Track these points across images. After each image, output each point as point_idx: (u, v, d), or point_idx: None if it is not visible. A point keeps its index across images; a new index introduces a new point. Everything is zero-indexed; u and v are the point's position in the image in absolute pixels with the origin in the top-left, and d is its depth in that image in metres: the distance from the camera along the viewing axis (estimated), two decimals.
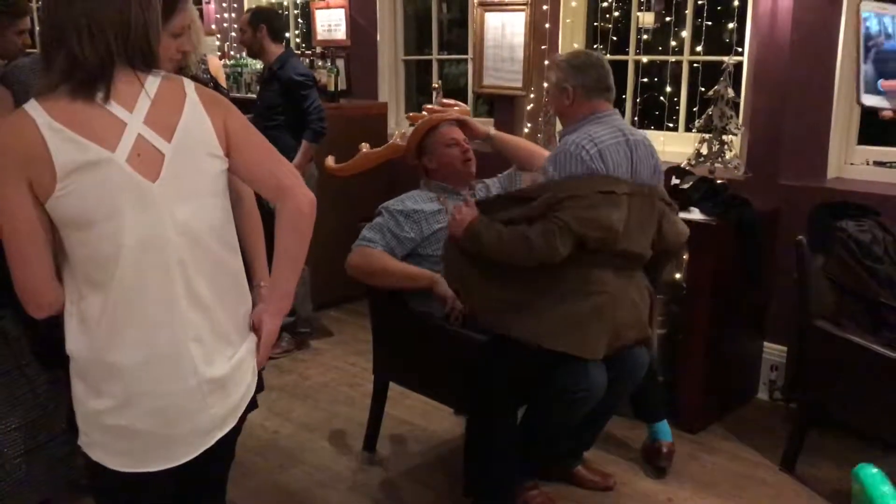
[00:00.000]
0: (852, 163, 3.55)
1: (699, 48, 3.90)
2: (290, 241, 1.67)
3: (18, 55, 2.91)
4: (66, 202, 1.45)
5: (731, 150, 3.60)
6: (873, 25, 1.19)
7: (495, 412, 2.64)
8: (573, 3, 4.29)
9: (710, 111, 3.58)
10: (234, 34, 6.32)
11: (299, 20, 6.09)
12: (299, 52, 5.61)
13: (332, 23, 5.55)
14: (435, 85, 4.83)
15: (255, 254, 2.02)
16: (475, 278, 2.57)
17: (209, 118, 1.58)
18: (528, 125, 4.42)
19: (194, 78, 1.89)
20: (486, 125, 3.21)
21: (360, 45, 5.40)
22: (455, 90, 5.30)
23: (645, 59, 4.15)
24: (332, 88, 5.11)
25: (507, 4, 4.45)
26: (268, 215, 2.14)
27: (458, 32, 5.27)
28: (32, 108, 1.46)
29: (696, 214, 3.27)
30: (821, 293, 2.91)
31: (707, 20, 3.84)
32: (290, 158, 3.99)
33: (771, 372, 3.65)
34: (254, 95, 5.18)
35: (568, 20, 4.32)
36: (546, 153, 2.89)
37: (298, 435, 3.39)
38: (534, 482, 2.81)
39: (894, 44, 1.21)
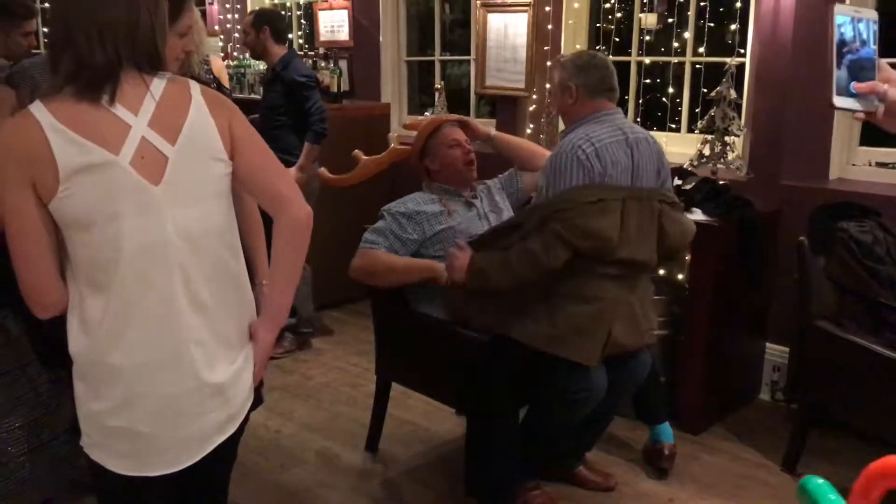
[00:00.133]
0: (854, 164, 3.55)
1: (701, 49, 3.90)
2: (285, 256, 1.67)
3: (24, 57, 2.93)
4: (69, 203, 1.45)
5: (733, 151, 3.61)
6: (848, 31, 1.19)
7: (495, 412, 2.65)
8: (576, 5, 4.29)
9: (712, 112, 3.59)
10: (237, 35, 6.33)
11: (302, 21, 6.10)
12: (302, 53, 5.62)
13: (334, 24, 5.56)
14: (437, 86, 4.86)
15: (256, 252, 2.02)
16: (474, 298, 2.58)
17: (214, 121, 1.57)
18: (531, 126, 4.42)
19: (196, 78, 1.90)
20: (487, 126, 3.22)
21: (362, 46, 5.41)
22: (457, 91, 5.31)
23: (647, 60, 4.16)
24: (335, 89, 5.12)
25: (509, 5, 4.46)
26: (268, 218, 2.15)
27: (460, 33, 5.28)
28: (37, 109, 1.46)
29: (698, 215, 3.27)
30: (822, 294, 2.92)
31: (709, 21, 3.85)
32: (294, 158, 4.00)
33: (773, 373, 3.65)
34: (257, 96, 5.21)
35: (570, 21, 4.32)
36: (547, 153, 2.90)
37: (300, 435, 3.40)
38: (535, 482, 2.81)
39: (869, 51, 1.21)
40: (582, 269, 2.44)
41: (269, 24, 4.20)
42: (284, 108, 4.14)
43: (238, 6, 6.34)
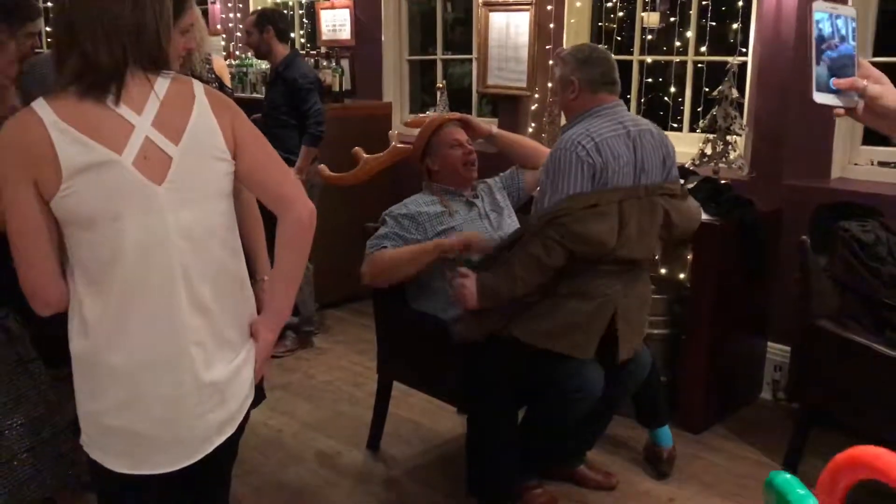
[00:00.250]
0: (856, 163, 3.54)
1: (703, 48, 3.90)
2: (288, 257, 1.68)
3: (27, 57, 2.93)
4: (71, 202, 1.45)
5: (734, 151, 3.61)
6: (826, 27, 1.19)
7: (494, 411, 2.65)
8: (578, 3, 4.29)
9: (714, 111, 3.59)
10: (239, 34, 6.34)
11: (304, 20, 6.10)
12: (304, 52, 5.62)
13: (336, 23, 5.56)
14: (439, 85, 4.86)
15: (256, 248, 2.03)
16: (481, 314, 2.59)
17: (217, 121, 1.58)
18: (533, 125, 4.42)
19: (197, 76, 1.90)
20: (488, 124, 3.21)
21: (364, 45, 5.41)
22: (459, 90, 5.31)
23: (649, 59, 4.16)
24: (337, 88, 5.12)
25: (511, 4, 4.46)
26: (266, 212, 2.15)
27: (462, 32, 5.28)
28: (40, 106, 1.46)
29: None
30: (824, 293, 2.92)
31: (711, 21, 3.85)
32: (296, 158, 4.01)
33: (774, 372, 3.65)
34: (259, 96, 5.21)
35: (572, 20, 4.32)
36: (548, 150, 2.89)
37: (302, 433, 3.40)
38: (536, 481, 2.81)
39: (849, 47, 1.21)
40: (583, 268, 2.45)
41: (273, 23, 4.20)
42: (286, 107, 4.14)
43: (240, 5, 6.34)
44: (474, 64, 4.85)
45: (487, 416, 2.68)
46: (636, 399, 3.02)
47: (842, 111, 1.21)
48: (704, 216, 3.26)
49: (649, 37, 4.16)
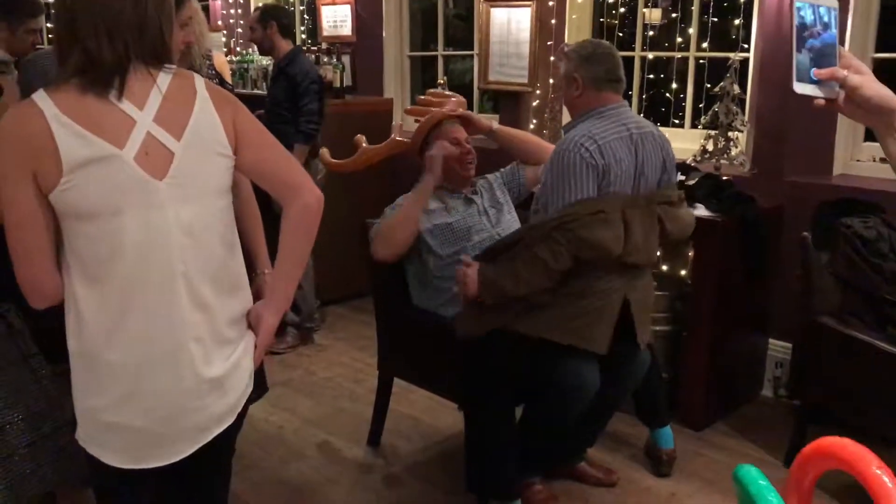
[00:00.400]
0: (858, 159, 3.54)
1: (705, 45, 3.90)
2: (295, 241, 1.67)
3: (28, 53, 2.94)
4: (71, 196, 1.45)
5: (736, 147, 3.60)
6: (808, 16, 1.18)
7: (492, 409, 2.65)
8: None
9: (715, 108, 3.58)
10: (239, 30, 6.33)
11: (305, 16, 6.09)
12: (305, 48, 5.62)
13: (337, 19, 5.55)
14: (440, 81, 4.84)
15: (255, 241, 2.03)
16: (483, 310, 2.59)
17: (219, 116, 1.57)
18: (534, 121, 4.42)
19: (196, 71, 1.90)
20: (489, 120, 3.20)
21: (365, 41, 5.40)
22: (460, 86, 5.30)
23: (651, 55, 4.15)
24: (338, 84, 5.11)
25: (512, 0, 4.44)
26: (265, 207, 2.15)
27: (463, 28, 5.27)
28: (41, 99, 1.45)
29: (700, 211, 3.27)
30: (825, 290, 2.91)
31: (713, 17, 3.84)
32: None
33: (776, 369, 3.64)
34: (260, 91, 5.22)
35: (574, 16, 4.31)
36: (549, 146, 2.89)
37: (303, 429, 3.40)
38: (537, 478, 2.81)
39: (831, 35, 1.20)
40: (587, 269, 2.45)
41: (276, 19, 4.22)
42: (288, 103, 4.14)
43: (241, 1, 6.34)
44: (475, 60, 4.84)
45: (486, 413, 2.68)
46: (637, 397, 3.01)
47: (822, 101, 1.19)
48: (706, 213, 3.26)
49: (651, 33, 4.15)
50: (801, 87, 1.18)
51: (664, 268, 3.61)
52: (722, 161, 3.58)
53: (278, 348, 4.16)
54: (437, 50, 5.27)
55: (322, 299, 4.59)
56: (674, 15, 4.06)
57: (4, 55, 2.90)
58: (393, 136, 3.11)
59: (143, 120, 1.49)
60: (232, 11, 6.44)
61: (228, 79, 5.09)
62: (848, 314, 2.85)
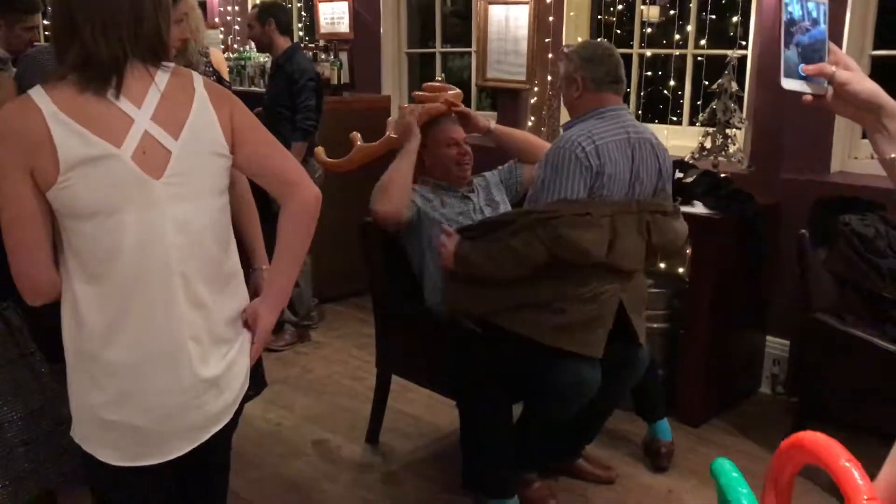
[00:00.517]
0: (856, 157, 3.54)
1: (703, 42, 3.90)
2: (292, 238, 1.67)
3: (25, 50, 2.93)
4: (68, 194, 1.44)
5: (734, 144, 3.60)
6: (796, 11, 1.17)
7: (485, 406, 2.65)
8: None
9: (713, 105, 3.58)
10: (237, 27, 6.32)
11: (303, 13, 6.08)
12: (302, 45, 5.61)
13: (335, 16, 5.55)
14: (438, 78, 4.83)
15: (252, 236, 2.03)
16: (473, 292, 2.60)
17: (216, 114, 1.57)
18: (532, 119, 4.41)
19: (193, 68, 1.89)
20: (487, 119, 3.19)
21: (363, 38, 5.39)
22: (458, 83, 5.23)
23: (649, 52, 4.15)
24: (336, 82, 5.11)
25: None
26: (264, 205, 2.15)
27: (461, 25, 5.26)
28: (38, 95, 1.45)
29: (698, 208, 3.27)
30: (823, 287, 2.92)
31: (711, 14, 3.84)
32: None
33: (773, 366, 3.65)
34: (257, 89, 5.21)
35: (572, 13, 4.31)
36: (547, 145, 2.89)
37: (301, 427, 3.40)
38: (535, 475, 2.81)
39: (820, 32, 1.19)
40: (580, 268, 2.45)
41: (274, 16, 4.21)
42: (287, 100, 4.14)
43: None
44: (473, 57, 4.83)
45: (479, 410, 2.68)
46: (634, 393, 3.02)
47: (810, 98, 1.18)
48: (704, 210, 3.27)
49: (649, 30, 4.15)
50: (789, 83, 1.18)
51: (662, 265, 3.62)
52: (720, 158, 3.58)
53: (276, 346, 4.16)
54: (434, 47, 5.26)
55: (320, 297, 4.59)
56: (672, 12, 4.06)
57: (1, 52, 2.89)
58: (388, 132, 3.10)
59: (140, 118, 1.48)
60: (229, 8, 6.43)
61: (226, 76, 5.08)
62: (845, 311, 2.86)
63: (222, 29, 6.40)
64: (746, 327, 3.59)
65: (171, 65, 1.57)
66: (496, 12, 4.52)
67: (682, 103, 4.05)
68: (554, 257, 2.39)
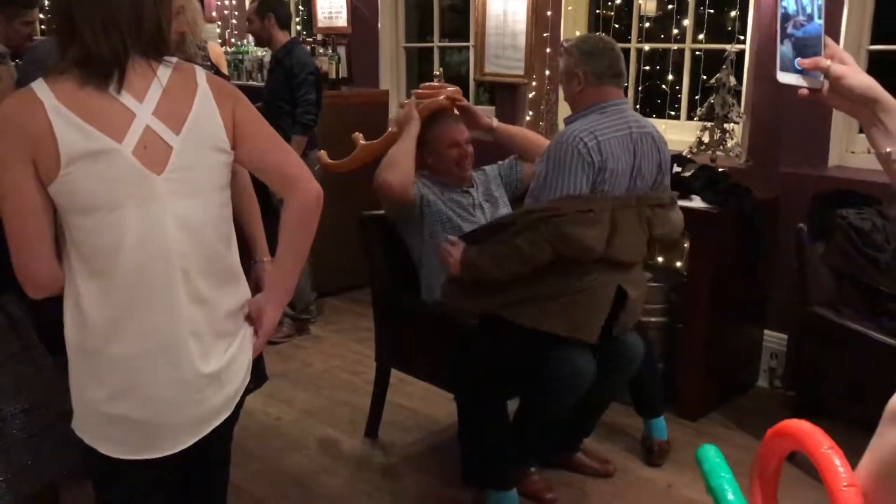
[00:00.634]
0: (853, 151, 3.55)
1: (701, 36, 3.90)
2: (295, 235, 1.67)
3: (24, 44, 2.94)
4: (69, 188, 1.44)
5: (732, 139, 3.61)
6: (790, 5, 1.18)
7: (483, 398, 2.66)
8: None
9: (711, 99, 3.59)
10: (234, 21, 6.31)
11: (300, 7, 6.07)
12: (300, 39, 5.61)
13: (332, 10, 5.54)
14: (436, 73, 4.83)
15: (254, 228, 2.04)
16: (474, 290, 2.61)
17: (219, 110, 1.57)
18: (530, 113, 4.42)
19: (191, 62, 1.89)
20: (488, 115, 3.18)
21: (361, 33, 5.39)
22: (456, 78, 5.29)
23: (647, 46, 4.15)
24: (334, 76, 5.11)
25: None
26: (264, 200, 2.15)
27: (459, 19, 5.26)
28: (40, 88, 1.44)
29: (696, 202, 3.28)
30: (821, 281, 2.93)
31: (709, 8, 3.84)
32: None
33: (771, 360, 3.66)
34: (255, 83, 5.21)
35: (570, 7, 4.31)
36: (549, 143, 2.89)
37: (301, 421, 3.41)
38: (533, 468, 2.82)
39: (816, 26, 1.19)
40: (580, 267, 2.46)
41: (274, 11, 4.22)
42: (286, 95, 4.14)
43: None
44: (471, 51, 4.83)
45: (478, 404, 2.69)
46: (633, 388, 3.03)
47: (806, 92, 1.19)
48: (702, 204, 3.28)
49: (647, 24, 4.15)
50: (784, 77, 1.18)
51: (660, 259, 3.63)
52: (718, 153, 3.59)
53: (275, 338, 4.16)
54: (432, 41, 5.26)
55: (318, 291, 4.59)
56: (669, 6, 4.06)
57: (1, 47, 2.89)
58: (390, 129, 3.10)
59: (142, 113, 1.48)
60: (227, 2, 6.43)
61: (225, 70, 5.08)
62: (843, 305, 2.87)
63: (219, 23, 6.39)
64: (744, 321, 3.60)
65: (174, 59, 1.56)
66: (494, 7, 4.52)
67: (680, 98, 4.06)
68: (558, 256, 2.40)
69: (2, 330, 1.87)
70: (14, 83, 2.22)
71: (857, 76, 1.16)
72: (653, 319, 3.40)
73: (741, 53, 3.66)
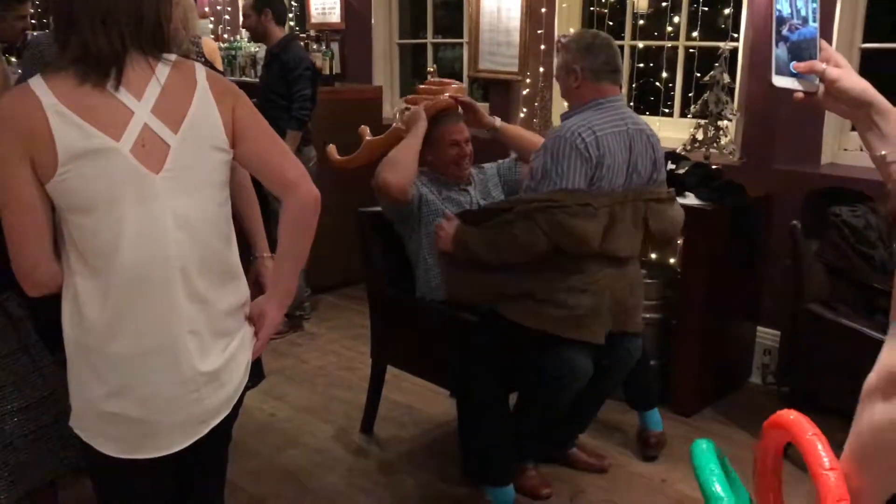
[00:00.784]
0: (846, 148, 3.57)
1: (695, 33, 3.91)
2: (293, 238, 1.68)
3: (18, 39, 2.93)
4: (67, 187, 1.44)
5: (726, 136, 3.63)
6: (785, 8, 1.18)
7: (483, 394, 2.67)
8: None
9: (705, 97, 3.60)
10: (227, 17, 6.29)
11: (293, 3, 6.05)
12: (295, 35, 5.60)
13: (326, 5, 5.53)
14: (430, 69, 4.83)
15: (253, 224, 2.04)
16: (474, 279, 2.61)
17: (218, 108, 1.56)
18: (524, 110, 4.42)
19: (185, 57, 1.88)
20: (492, 117, 3.16)
21: (354, 29, 5.38)
22: (450, 74, 5.28)
23: (641, 44, 4.16)
24: (327, 72, 5.10)
25: None
26: (260, 197, 2.15)
27: (453, 16, 5.26)
28: (38, 86, 1.44)
29: (690, 200, 3.29)
30: (815, 278, 2.95)
31: (703, 5, 3.85)
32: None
33: (764, 356, 3.68)
34: (248, 78, 5.20)
35: (564, 4, 4.32)
36: None
37: (296, 417, 3.41)
38: (529, 464, 2.84)
39: (811, 29, 1.20)
40: (582, 263, 2.47)
41: (271, 6, 4.22)
42: (281, 89, 4.14)
43: None
44: (465, 48, 4.83)
45: (477, 400, 2.70)
46: (626, 382, 3.04)
47: (801, 95, 1.20)
48: (696, 201, 3.29)
49: (641, 21, 4.16)
50: (780, 81, 1.19)
51: (653, 256, 3.64)
52: (711, 150, 3.61)
53: None
54: (426, 38, 5.26)
55: (313, 287, 4.59)
56: (663, 4, 4.07)
57: None
58: (395, 124, 3.09)
59: (140, 111, 1.48)
60: None
61: (219, 65, 5.05)
62: (837, 302, 2.89)
63: (212, 18, 6.36)
64: (738, 317, 3.62)
65: (173, 57, 1.56)
66: (488, 3, 4.52)
67: (674, 95, 4.07)
68: (554, 247, 2.41)
69: (1, 328, 1.86)
70: (6, 79, 2.20)
71: (852, 79, 1.17)
72: (647, 315, 3.40)
73: (735, 51, 3.67)
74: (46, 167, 1.43)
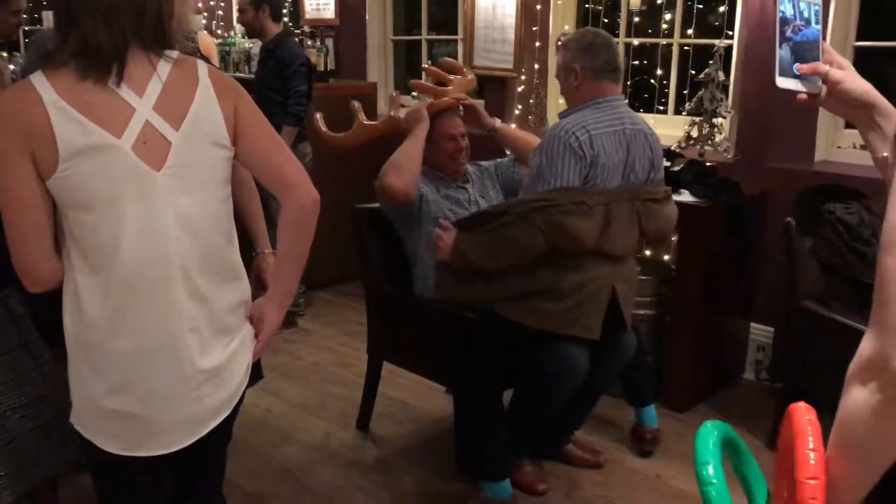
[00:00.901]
0: (839, 146, 3.59)
1: (690, 31, 3.92)
2: (292, 240, 1.68)
3: (13, 35, 2.92)
4: (68, 184, 1.44)
5: (720, 133, 3.64)
6: (788, 10, 1.20)
7: (479, 390, 2.68)
8: None
9: (700, 94, 3.62)
10: (220, 13, 6.27)
11: None
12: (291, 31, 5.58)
13: (320, 1, 5.52)
14: (425, 66, 4.84)
15: (254, 220, 2.04)
16: (471, 282, 2.63)
17: (220, 105, 1.55)
18: (519, 107, 4.43)
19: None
20: (493, 118, 3.15)
21: (348, 25, 5.37)
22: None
23: (635, 41, 4.17)
24: (322, 68, 5.09)
25: None
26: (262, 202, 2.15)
27: (447, 12, 5.25)
28: (39, 82, 1.43)
29: (685, 197, 3.30)
30: (808, 274, 2.96)
31: (698, 3, 3.86)
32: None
33: (758, 352, 3.71)
34: (242, 74, 5.18)
35: (559, 1, 4.32)
36: None
37: (292, 414, 3.42)
38: (526, 460, 2.85)
39: (814, 31, 1.22)
40: (577, 262, 2.48)
41: (269, 3, 4.22)
42: (277, 85, 4.14)
43: None
44: (460, 45, 4.83)
45: (473, 395, 2.71)
46: (623, 378, 3.06)
47: (804, 97, 1.21)
48: (691, 198, 3.30)
49: (635, 19, 4.17)
50: (783, 82, 1.20)
51: (647, 253, 3.66)
52: (706, 147, 3.62)
53: None
54: (420, 34, 5.25)
55: (307, 284, 4.58)
56: (658, 1, 4.08)
57: None
58: (391, 112, 3.07)
59: (142, 108, 1.47)
60: None
61: (216, 61, 5.06)
62: (831, 299, 2.90)
63: (206, 14, 6.34)
64: (731, 314, 3.64)
65: (175, 53, 1.55)
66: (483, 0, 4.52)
67: (668, 92, 4.08)
68: (551, 247, 2.42)
69: (1, 324, 1.86)
70: (7, 75, 2.20)
71: (855, 81, 1.18)
72: (641, 312, 3.43)
73: (729, 48, 3.69)
74: (47, 164, 1.42)
